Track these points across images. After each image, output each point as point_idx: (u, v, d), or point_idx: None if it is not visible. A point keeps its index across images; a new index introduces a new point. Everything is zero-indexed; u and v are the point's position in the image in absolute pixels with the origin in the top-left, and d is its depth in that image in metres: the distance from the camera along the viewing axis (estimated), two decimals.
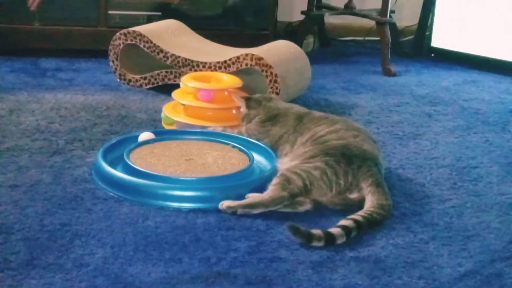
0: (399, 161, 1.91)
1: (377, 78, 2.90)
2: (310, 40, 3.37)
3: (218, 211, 1.51)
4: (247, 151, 1.77)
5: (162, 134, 1.88)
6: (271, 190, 1.53)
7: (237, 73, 2.22)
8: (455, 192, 1.72)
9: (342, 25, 3.67)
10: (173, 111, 2.04)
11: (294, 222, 1.45)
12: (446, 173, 1.84)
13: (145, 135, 1.83)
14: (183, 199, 1.54)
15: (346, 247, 1.39)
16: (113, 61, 2.50)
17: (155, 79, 2.44)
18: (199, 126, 1.96)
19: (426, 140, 2.11)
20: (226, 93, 2.07)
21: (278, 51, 2.36)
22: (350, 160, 1.58)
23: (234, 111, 2.07)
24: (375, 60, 3.09)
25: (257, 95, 1.96)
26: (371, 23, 3.25)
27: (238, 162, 1.72)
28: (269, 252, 1.36)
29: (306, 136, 1.71)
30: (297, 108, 1.90)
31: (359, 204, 1.54)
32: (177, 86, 2.16)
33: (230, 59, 2.26)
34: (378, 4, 3.06)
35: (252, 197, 1.54)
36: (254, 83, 2.25)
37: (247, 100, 1.92)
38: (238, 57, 2.24)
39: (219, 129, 1.92)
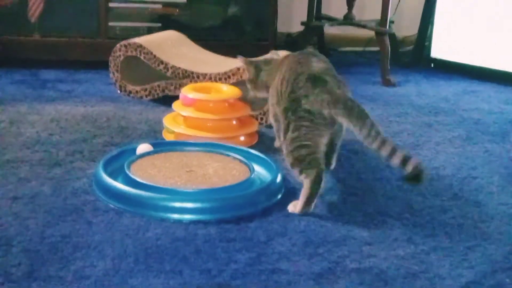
0: (399, 171, 1.90)
1: (377, 89, 2.91)
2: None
3: (219, 222, 1.51)
4: (247, 162, 1.77)
5: (162, 146, 1.88)
6: (304, 182, 1.60)
7: (237, 84, 2.22)
8: (455, 202, 1.71)
9: (341, 36, 3.69)
10: (173, 122, 2.05)
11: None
12: (447, 184, 1.84)
13: (143, 147, 1.83)
14: (183, 211, 1.54)
15: (347, 258, 1.39)
16: (113, 73, 2.51)
17: (155, 91, 2.44)
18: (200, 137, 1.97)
19: (426, 150, 2.11)
20: (226, 104, 2.07)
21: None
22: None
23: (234, 122, 2.07)
24: (374, 71, 3.10)
25: (258, 60, 2.00)
26: (370, 33, 3.26)
27: (239, 173, 1.72)
28: (270, 263, 1.36)
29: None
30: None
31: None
32: (177, 97, 2.17)
33: (230, 70, 2.26)
34: (377, 15, 3.07)
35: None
36: None
37: (250, 63, 1.96)
38: (238, 68, 2.24)
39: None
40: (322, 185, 1.60)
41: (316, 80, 1.65)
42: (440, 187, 1.81)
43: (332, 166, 1.88)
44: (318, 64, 1.72)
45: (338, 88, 1.65)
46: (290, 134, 1.64)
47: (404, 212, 1.63)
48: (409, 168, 1.53)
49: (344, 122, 1.60)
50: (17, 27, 2.89)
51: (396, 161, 1.54)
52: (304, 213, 1.59)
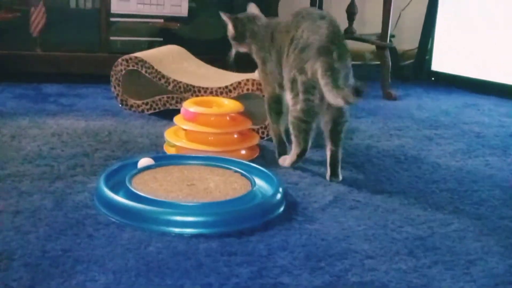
0: (400, 185, 1.91)
1: (378, 102, 2.91)
2: None
3: (220, 236, 1.51)
4: (248, 175, 1.78)
5: (163, 160, 1.88)
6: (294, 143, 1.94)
7: (238, 98, 2.22)
8: (457, 216, 1.71)
9: None
10: (174, 136, 2.05)
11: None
12: (448, 197, 1.84)
13: (144, 161, 1.83)
14: (184, 225, 1.54)
15: (348, 272, 1.39)
16: (114, 87, 2.51)
17: (157, 105, 2.45)
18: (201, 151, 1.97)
19: (427, 163, 2.11)
20: (227, 118, 2.08)
21: None
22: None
23: (235, 136, 2.08)
24: (375, 84, 3.11)
25: (243, 18, 2.12)
26: (371, 47, 3.27)
27: (240, 187, 1.72)
28: (271, 277, 1.35)
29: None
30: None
31: None
32: (178, 111, 2.17)
33: (231, 85, 2.27)
34: (378, 29, 3.08)
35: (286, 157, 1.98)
36: (255, 108, 2.26)
37: (235, 20, 2.11)
38: (239, 83, 2.25)
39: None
40: (306, 155, 1.95)
41: (322, 51, 1.83)
42: (441, 200, 1.81)
43: (340, 178, 1.91)
44: (327, 30, 1.87)
45: (339, 59, 1.83)
46: (299, 106, 1.88)
47: (405, 225, 1.63)
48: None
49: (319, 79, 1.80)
50: (18, 41, 2.90)
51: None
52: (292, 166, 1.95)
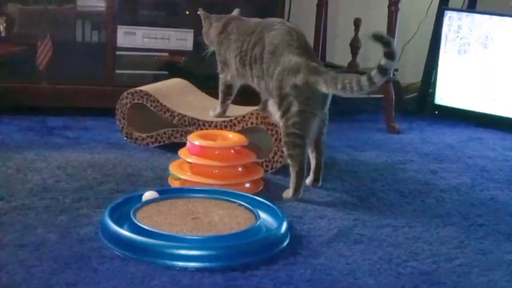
0: (405, 219, 1.91)
1: (382, 136, 2.92)
2: None
3: (224, 270, 1.51)
4: (253, 209, 1.78)
5: (168, 193, 1.89)
6: (292, 171, 1.96)
7: (242, 131, 2.23)
8: (461, 250, 1.71)
9: None
10: (179, 169, 2.06)
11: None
12: (453, 231, 1.84)
13: (149, 194, 1.84)
14: (189, 258, 1.53)
15: None
16: (120, 120, 2.53)
17: (162, 138, 2.45)
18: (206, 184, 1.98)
19: (432, 197, 2.11)
20: (232, 151, 2.09)
21: None
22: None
23: (239, 169, 2.08)
24: (379, 118, 3.12)
25: (213, 15, 2.34)
26: None
27: (244, 220, 1.72)
28: None
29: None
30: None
31: None
32: (183, 144, 2.18)
33: (235, 118, 2.28)
34: None
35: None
36: (260, 141, 2.27)
37: (206, 18, 2.34)
38: (243, 116, 2.26)
39: None
40: (305, 173, 1.98)
41: (311, 70, 1.94)
42: (446, 235, 1.81)
43: (320, 183, 2.09)
44: (306, 51, 2.02)
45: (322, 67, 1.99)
46: (292, 119, 1.95)
47: (410, 260, 1.63)
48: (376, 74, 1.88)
49: (323, 88, 1.92)
50: (25, 74, 2.92)
51: (365, 83, 1.87)
52: (296, 199, 1.96)
